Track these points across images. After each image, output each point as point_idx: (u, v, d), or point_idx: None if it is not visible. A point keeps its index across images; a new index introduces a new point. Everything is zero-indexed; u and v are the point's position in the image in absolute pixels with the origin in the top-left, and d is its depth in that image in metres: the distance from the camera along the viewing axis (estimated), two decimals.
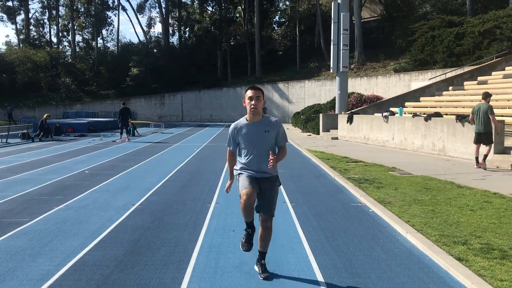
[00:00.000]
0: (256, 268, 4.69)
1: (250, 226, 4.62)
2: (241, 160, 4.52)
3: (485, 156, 11.34)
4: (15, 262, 5.07)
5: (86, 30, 64.42)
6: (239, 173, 4.53)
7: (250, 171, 4.44)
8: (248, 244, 4.62)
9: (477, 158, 11.45)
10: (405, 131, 16.12)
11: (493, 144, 11.46)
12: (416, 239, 5.59)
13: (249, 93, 4.36)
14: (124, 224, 6.67)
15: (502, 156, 11.88)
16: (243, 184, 4.39)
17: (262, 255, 4.63)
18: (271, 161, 4.25)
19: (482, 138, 11.37)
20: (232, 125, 4.53)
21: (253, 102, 4.32)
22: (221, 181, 10.28)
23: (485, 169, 11.18)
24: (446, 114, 15.99)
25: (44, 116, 24.23)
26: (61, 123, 28.48)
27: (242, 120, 4.50)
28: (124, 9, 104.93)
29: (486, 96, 11.52)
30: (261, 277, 4.54)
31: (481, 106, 11.39)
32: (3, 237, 6.03)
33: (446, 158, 13.57)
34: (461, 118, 13.37)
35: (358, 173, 10.90)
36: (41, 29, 66.65)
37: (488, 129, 11.30)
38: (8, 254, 5.34)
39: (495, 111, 14.12)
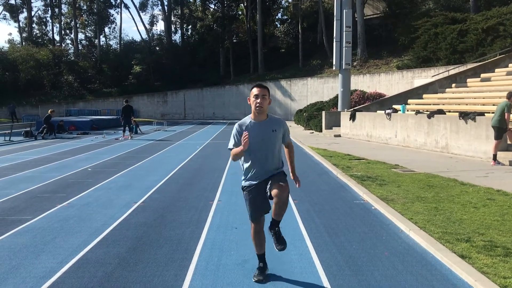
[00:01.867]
0: (270, 233, 4.37)
1: (261, 260, 4.51)
2: (246, 162, 4.32)
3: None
4: (18, 260, 5.08)
5: (88, 28, 64.56)
6: (245, 187, 4.37)
7: (255, 179, 4.29)
8: (261, 276, 4.42)
9: (494, 155, 11.58)
10: (408, 128, 16.08)
11: (497, 141, 11.47)
12: (419, 237, 5.57)
13: (255, 91, 4.22)
14: (126, 221, 6.67)
15: (505, 153, 11.84)
16: (250, 210, 4.36)
17: (275, 222, 4.28)
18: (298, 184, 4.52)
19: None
20: (237, 125, 4.32)
21: (258, 101, 4.19)
22: (223, 179, 10.28)
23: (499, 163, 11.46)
24: (449, 111, 15.92)
25: (49, 112, 24.27)
26: (64, 121, 28.55)
27: (247, 120, 4.33)
28: (126, 7, 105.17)
29: (510, 96, 11.53)
30: (277, 248, 4.28)
31: (501, 103, 11.55)
32: (6, 235, 6.05)
33: (449, 156, 13.53)
34: (464, 115, 13.32)
35: (360, 170, 10.88)
36: (43, 27, 66.85)
37: (495, 124, 11.43)
38: (11, 252, 5.36)
39: None
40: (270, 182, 4.26)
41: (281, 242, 4.28)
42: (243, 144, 4.06)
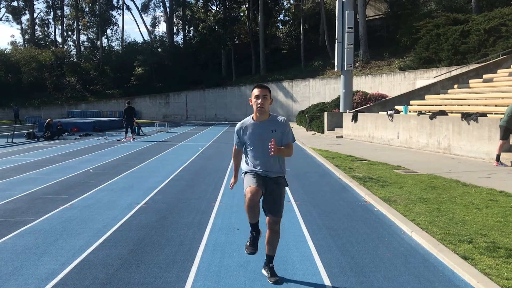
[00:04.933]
0: (264, 272, 4.56)
1: (255, 229, 4.49)
2: (248, 160, 4.41)
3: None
4: (21, 261, 5.09)
5: (90, 30, 64.75)
6: (245, 172, 4.44)
7: (256, 171, 4.35)
8: (252, 247, 4.48)
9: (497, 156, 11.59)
10: (410, 129, 16.06)
11: (503, 142, 11.44)
12: (421, 238, 5.56)
13: (256, 91, 4.25)
14: (128, 223, 6.68)
15: (508, 154, 11.80)
16: (248, 182, 4.28)
17: (269, 258, 4.48)
18: (271, 147, 4.02)
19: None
20: (238, 125, 4.42)
21: (259, 101, 4.21)
22: (225, 180, 10.28)
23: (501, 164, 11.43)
24: (452, 112, 15.90)
25: (47, 121, 24.43)
26: (66, 122, 28.58)
27: (248, 119, 4.38)
28: (128, 8, 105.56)
29: None
30: (270, 281, 4.40)
31: (511, 105, 11.55)
32: (8, 236, 6.06)
33: (451, 157, 13.51)
34: (466, 116, 13.30)
35: (363, 171, 10.87)
36: (46, 29, 67.08)
37: (502, 124, 11.38)
38: (13, 253, 5.37)
39: (501, 109, 14.09)
40: (268, 193, 4.35)
41: (275, 275, 4.46)
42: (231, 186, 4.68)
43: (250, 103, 4.32)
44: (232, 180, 4.70)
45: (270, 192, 4.36)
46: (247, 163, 4.44)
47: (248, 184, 4.26)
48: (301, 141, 19.60)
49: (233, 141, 4.58)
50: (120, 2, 62.40)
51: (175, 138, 23.74)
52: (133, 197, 8.51)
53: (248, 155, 4.41)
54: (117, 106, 46.63)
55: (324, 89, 37.14)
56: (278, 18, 56.25)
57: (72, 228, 6.43)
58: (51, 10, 64.60)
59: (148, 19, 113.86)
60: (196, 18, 56.93)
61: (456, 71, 23.33)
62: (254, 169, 4.36)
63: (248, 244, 4.53)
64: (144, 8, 62.62)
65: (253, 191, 4.15)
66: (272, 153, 4.06)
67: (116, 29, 66.62)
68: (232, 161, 4.65)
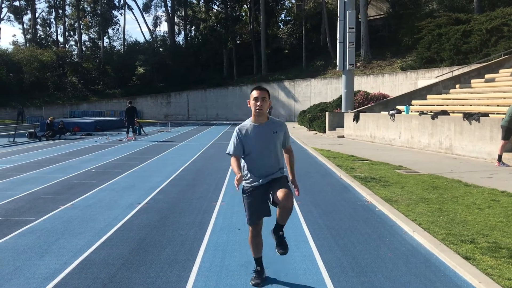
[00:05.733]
0: (273, 236, 4.29)
1: (259, 264, 4.47)
2: (247, 164, 4.30)
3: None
4: (22, 261, 5.10)
5: (92, 30, 64.83)
6: (244, 191, 4.33)
7: (256, 181, 4.24)
8: (259, 280, 4.40)
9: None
10: (412, 129, 16.04)
11: (504, 142, 11.42)
12: (423, 238, 5.55)
13: (254, 93, 4.23)
14: (130, 222, 6.68)
15: (510, 154, 11.77)
16: (249, 213, 4.30)
17: (280, 226, 4.21)
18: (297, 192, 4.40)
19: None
20: (237, 129, 4.29)
21: (258, 103, 4.19)
22: (227, 180, 10.28)
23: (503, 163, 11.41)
24: (453, 112, 15.87)
25: (50, 119, 24.46)
26: (68, 122, 28.59)
27: (248, 123, 4.32)
28: (130, 8, 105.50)
29: None
30: (278, 251, 4.20)
31: None
32: (10, 236, 6.07)
33: (453, 157, 13.49)
34: (468, 116, 13.28)
35: (364, 171, 10.86)
36: (47, 28, 67.18)
37: (504, 124, 11.35)
38: (15, 253, 5.37)
39: (502, 109, 14.07)
40: (272, 187, 4.20)
41: (283, 247, 4.21)
42: (236, 184, 3.97)
43: (249, 105, 4.29)
44: (237, 176, 3.99)
45: (273, 185, 4.21)
46: (245, 170, 4.31)
47: (250, 218, 4.33)
48: (302, 141, 19.58)
49: (229, 146, 4.28)
50: (122, 2, 62.48)
51: (176, 137, 23.75)
52: (134, 197, 8.51)
53: (247, 161, 4.29)
54: (118, 106, 46.64)
55: (326, 89, 37.13)
56: (280, 18, 56.26)
57: (74, 227, 6.44)
58: (53, 9, 64.72)
59: (149, 18, 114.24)
60: (198, 18, 56.95)
61: (458, 71, 23.30)
62: (254, 182, 4.25)
63: (253, 277, 4.46)
64: (146, 8, 62.77)
65: (255, 227, 4.38)
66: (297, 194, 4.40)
67: (118, 29, 66.62)
68: (234, 168, 4.18)
